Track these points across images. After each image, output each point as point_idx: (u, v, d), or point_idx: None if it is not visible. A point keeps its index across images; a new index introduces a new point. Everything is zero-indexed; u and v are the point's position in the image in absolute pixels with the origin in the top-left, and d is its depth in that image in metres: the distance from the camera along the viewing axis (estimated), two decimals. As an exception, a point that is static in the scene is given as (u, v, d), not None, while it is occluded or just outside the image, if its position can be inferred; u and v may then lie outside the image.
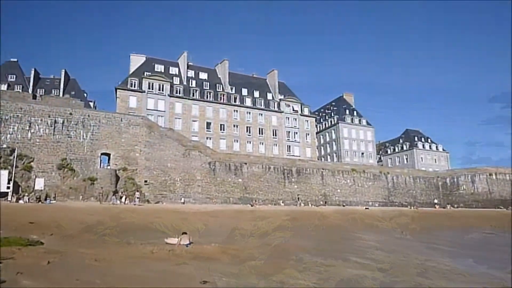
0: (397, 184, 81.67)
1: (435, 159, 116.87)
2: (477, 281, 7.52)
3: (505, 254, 11.90)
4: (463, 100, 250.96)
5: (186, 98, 74.37)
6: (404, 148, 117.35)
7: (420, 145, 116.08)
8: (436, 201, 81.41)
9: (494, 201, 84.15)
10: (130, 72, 73.74)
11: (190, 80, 79.65)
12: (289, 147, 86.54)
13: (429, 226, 26.16)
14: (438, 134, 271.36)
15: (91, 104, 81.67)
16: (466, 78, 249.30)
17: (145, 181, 51.27)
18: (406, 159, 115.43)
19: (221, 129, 77.79)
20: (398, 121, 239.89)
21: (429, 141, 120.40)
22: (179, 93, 73.92)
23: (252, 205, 50.58)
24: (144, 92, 69.36)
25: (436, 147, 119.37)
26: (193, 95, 75.78)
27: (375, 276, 8.49)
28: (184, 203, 49.83)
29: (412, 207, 68.10)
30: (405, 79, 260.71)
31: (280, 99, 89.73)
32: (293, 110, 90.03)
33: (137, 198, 43.17)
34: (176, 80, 76.83)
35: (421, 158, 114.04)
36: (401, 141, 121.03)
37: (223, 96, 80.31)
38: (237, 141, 79.70)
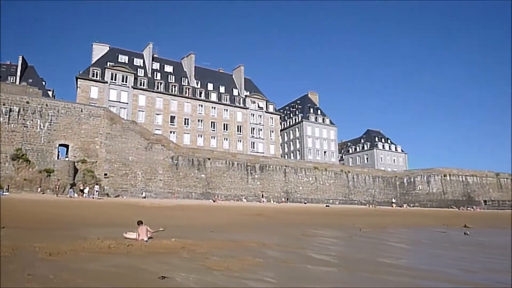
0: (357, 182, 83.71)
1: (394, 159, 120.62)
2: (432, 277, 7.76)
3: (457, 252, 12.38)
4: (425, 104, 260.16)
5: (150, 91, 73.00)
6: (365, 148, 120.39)
7: (380, 145, 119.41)
8: (393, 200, 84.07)
9: (448, 201, 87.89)
10: (92, 62, 71.56)
11: (155, 72, 78.22)
12: (253, 143, 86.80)
13: (387, 224, 26.92)
14: (398, 135, 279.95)
15: (50, 93, 78.65)
16: (430, 81, 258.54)
17: (105, 174, 49.99)
18: (367, 158, 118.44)
19: (185, 124, 76.95)
20: (360, 121, 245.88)
21: (389, 141, 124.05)
22: (143, 85, 72.45)
23: (214, 201, 50.40)
24: (107, 82, 67.50)
25: (395, 147, 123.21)
26: (158, 88, 74.51)
27: (335, 271, 8.61)
28: (145, 197, 49.01)
29: (371, 206, 69.95)
30: (369, 80, 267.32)
31: (246, 96, 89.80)
32: (259, 107, 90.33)
33: (96, 191, 41.99)
34: (141, 72, 75.22)
35: (381, 158, 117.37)
36: (362, 141, 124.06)
37: (189, 90, 79.42)
38: (201, 136, 79.12)
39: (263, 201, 60.39)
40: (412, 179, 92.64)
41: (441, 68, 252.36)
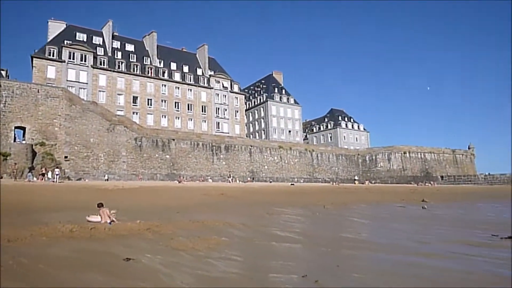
0: (321, 161, 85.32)
1: (357, 138, 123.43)
2: (390, 250, 8.11)
3: (414, 225, 12.96)
4: (386, 83, 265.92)
5: (111, 70, 70.79)
6: (329, 127, 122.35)
7: (343, 124, 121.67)
8: (356, 177, 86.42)
9: (407, 177, 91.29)
10: (48, 40, 68.35)
11: (116, 51, 75.75)
12: (218, 123, 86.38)
13: (349, 201, 27.70)
14: (360, 114, 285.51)
15: (3, 73, 74.76)
16: (393, 61, 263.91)
17: (66, 157, 48.56)
18: (331, 137, 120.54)
19: (148, 104, 75.44)
20: (324, 101, 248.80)
21: (352, 120, 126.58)
22: (103, 65, 70.11)
23: (179, 182, 50.10)
24: (64, 62, 64.85)
25: (358, 126, 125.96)
26: (119, 68, 72.34)
27: (299, 247, 8.85)
28: (108, 179, 48.07)
29: (334, 183, 71.57)
30: (332, 59, 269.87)
31: (210, 75, 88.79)
32: (223, 86, 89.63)
33: (57, 175, 40.73)
34: (100, 51, 72.65)
35: (344, 136, 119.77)
36: (326, 120, 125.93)
37: (151, 69, 77.63)
38: (165, 117, 77.91)
39: (230, 181, 60.59)
40: (373, 157, 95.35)
41: (401, 48, 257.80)
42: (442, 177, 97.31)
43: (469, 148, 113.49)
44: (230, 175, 64.87)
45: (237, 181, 62.22)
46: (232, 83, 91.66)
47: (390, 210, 20.72)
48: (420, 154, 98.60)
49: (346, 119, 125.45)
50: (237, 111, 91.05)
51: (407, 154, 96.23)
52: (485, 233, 11.07)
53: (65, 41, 67.39)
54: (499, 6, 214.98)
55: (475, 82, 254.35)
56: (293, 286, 5.44)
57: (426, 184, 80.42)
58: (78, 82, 66.05)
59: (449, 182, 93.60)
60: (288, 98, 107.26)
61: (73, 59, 66.14)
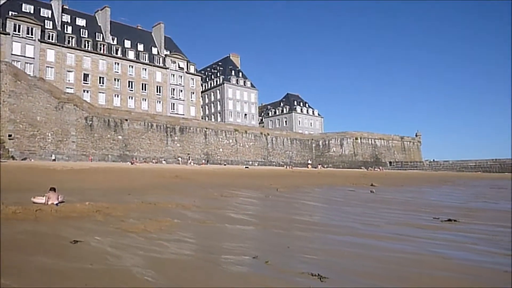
0: (276, 145, 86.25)
1: (311, 123, 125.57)
2: (339, 232, 8.35)
3: (363, 208, 13.41)
4: (341, 69, 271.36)
5: (60, 46, 67.36)
6: (284, 111, 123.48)
7: (298, 109, 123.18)
8: (309, 161, 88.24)
9: (358, 162, 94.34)
10: (-9, 10, 63.81)
11: (65, 25, 72.03)
12: (173, 105, 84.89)
13: (302, 184, 28.25)
14: (315, 99, 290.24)
15: None
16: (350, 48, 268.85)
17: (9, 136, 46.07)
18: (286, 121, 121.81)
19: (100, 82, 72.72)
20: (280, 85, 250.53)
21: (307, 105, 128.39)
22: (52, 39, 66.57)
23: (132, 163, 48.99)
24: (9, 34, 60.93)
25: (313, 111, 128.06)
26: (69, 43, 68.97)
27: (252, 229, 8.93)
28: (55, 160, 46.18)
29: (288, 167, 72.64)
30: (289, 44, 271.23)
31: (166, 55, 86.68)
32: (179, 67, 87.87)
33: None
34: (49, 24, 68.81)
35: (299, 121, 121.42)
36: (281, 104, 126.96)
37: (103, 46, 74.63)
38: (117, 96, 75.53)
39: (189, 163, 59.96)
40: (327, 142, 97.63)
41: (356, 35, 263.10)
42: (390, 162, 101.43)
43: (416, 136, 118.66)
44: (189, 157, 64.23)
45: (192, 163, 61.73)
46: (189, 64, 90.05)
47: (341, 194, 21.36)
48: (371, 140, 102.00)
49: (301, 104, 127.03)
50: (193, 93, 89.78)
51: (359, 140, 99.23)
52: (428, 216, 11.67)
53: (10, 12, 63.20)
54: None
55: (423, 72, 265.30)
56: (244, 267, 5.50)
57: (376, 169, 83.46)
58: (24, 56, 62.42)
59: (397, 167, 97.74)
60: (244, 81, 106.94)
61: (19, 31, 62.30)
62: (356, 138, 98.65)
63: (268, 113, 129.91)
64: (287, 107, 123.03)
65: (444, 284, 4.77)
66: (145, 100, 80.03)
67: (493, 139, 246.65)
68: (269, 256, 5.94)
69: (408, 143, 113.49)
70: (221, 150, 73.64)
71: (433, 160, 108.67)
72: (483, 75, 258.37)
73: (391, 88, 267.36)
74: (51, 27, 68.53)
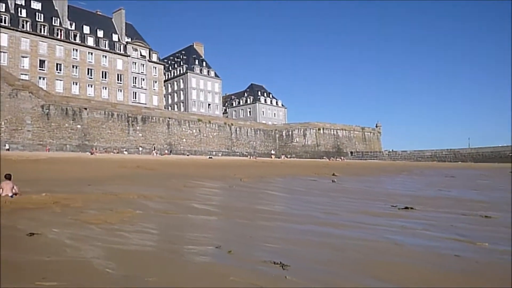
0: (240, 135, 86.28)
1: (275, 113, 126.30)
2: (301, 221, 8.51)
3: (324, 197, 13.68)
4: (304, 59, 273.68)
5: (13, 29, 64.13)
6: (248, 102, 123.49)
7: (262, 99, 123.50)
8: (272, 151, 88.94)
9: (320, 152, 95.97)
10: None
11: (19, 8, 68.49)
12: (135, 93, 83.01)
13: (265, 174, 28.49)
14: (279, 90, 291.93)
15: None
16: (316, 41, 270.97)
17: (-42, 124, 43.69)
18: (250, 112, 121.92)
19: (57, 69, 69.94)
20: (244, 75, 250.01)
21: (270, 96, 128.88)
22: (5, 23, 63.31)
23: (92, 153, 47.68)
24: (-44, 16, 57.40)
25: (277, 102, 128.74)
26: (23, 27, 65.78)
27: (215, 219, 8.97)
28: (9, 149, 44.25)
29: (252, 157, 72.93)
30: (254, 33, 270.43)
31: (127, 42, 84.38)
32: (141, 55, 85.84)
33: None
34: (1, 7, 65.22)
35: (263, 111, 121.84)
36: (246, 94, 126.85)
37: (61, 31, 71.70)
38: (76, 84, 72.98)
39: (154, 154, 58.99)
40: (290, 132, 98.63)
41: (319, 26, 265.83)
42: (351, 152, 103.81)
43: (376, 126, 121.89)
44: (154, 147, 63.19)
45: (156, 154, 60.83)
46: (151, 52, 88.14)
47: (304, 184, 21.72)
48: (333, 131, 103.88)
49: (265, 94, 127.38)
50: (156, 82, 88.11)
51: (321, 131, 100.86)
52: (386, 204, 12.10)
53: (-43, -7, 59.51)
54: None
55: (384, 64, 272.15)
56: (208, 257, 5.53)
57: (337, 159, 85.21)
58: (-26, 40, 59.04)
59: (357, 157, 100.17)
60: (208, 71, 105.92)
61: (-33, 14, 58.79)
62: (319, 129, 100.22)
63: (232, 103, 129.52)
64: (251, 97, 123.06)
65: (397, 269, 4.99)
66: (106, 88, 77.78)
67: (448, 130, 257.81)
68: (232, 246, 6.00)
69: (369, 133, 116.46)
70: (184, 140, 72.91)
71: (392, 150, 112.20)
72: (439, 69, 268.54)
73: (353, 79, 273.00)
74: (3, 10, 64.98)
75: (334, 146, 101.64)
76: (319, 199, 13.38)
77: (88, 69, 75.13)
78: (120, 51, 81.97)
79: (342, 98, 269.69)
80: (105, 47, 79.00)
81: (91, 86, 75.39)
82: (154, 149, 62.76)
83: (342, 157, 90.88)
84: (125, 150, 60.13)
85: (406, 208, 11.04)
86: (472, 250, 6.09)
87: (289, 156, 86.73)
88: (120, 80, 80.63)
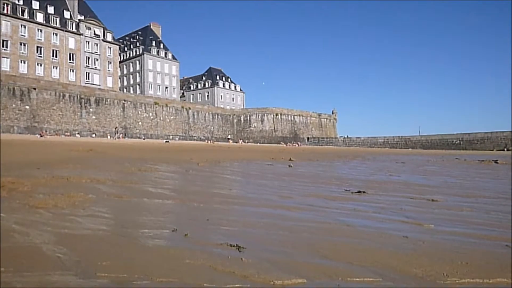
0: (197, 119, 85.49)
1: (233, 98, 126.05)
2: (257, 204, 8.61)
3: (280, 181, 13.90)
4: (262, 45, 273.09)
5: (-48, 2, 59.70)
6: (206, 86, 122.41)
7: (221, 83, 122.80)
8: (229, 136, 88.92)
9: (278, 137, 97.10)
10: None
11: (-41, -21, 63.80)
12: (88, 74, 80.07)
13: (222, 158, 28.53)
14: (237, 75, 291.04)
15: None
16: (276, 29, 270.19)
17: None
18: (208, 96, 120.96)
19: (3, 46, 66.17)
20: (203, 58, 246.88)
21: (229, 80, 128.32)
22: None
23: (41, 135, 45.73)
24: None
25: (235, 86, 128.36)
26: (-36, 0, 61.35)
27: (170, 203, 8.92)
28: (-50, 131, 41.58)
29: (209, 141, 72.66)
30: (212, 16, 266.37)
31: (80, 20, 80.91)
32: (95, 34, 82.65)
33: None
34: None
35: (221, 96, 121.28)
36: (204, 78, 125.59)
37: (7, 6, 67.59)
38: (24, 62, 69.40)
39: (117, 138, 57.26)
40: (248, 117, 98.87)
41: (277, 11, 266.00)
42: (308, 138, 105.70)
43: (332, 113, 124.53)
44: (116, 131, 61.34)
45: (108, 136, 59.21)
46: (105, 31, 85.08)
47: (260, 168, 21.93)
48: (290, 117, 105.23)
49: (223, 78, 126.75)
50: (110, 62, 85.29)
51: (279, 116, 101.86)
52: (339, 188, 12.46)
53: None
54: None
55: (340, 53, 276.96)
56: (163, 240, 5.51)
57: (294, 144, 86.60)
58: None
59: (313, 143, 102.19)
60: (166, 53, 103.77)
61: None
62: (276, 114, 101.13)
63: (190, 87, 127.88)
64: (209, 81, 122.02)
65: (347, 249, 5.20)
66: (56, 68, 74.45)
67: (399, 118, 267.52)
68: (188, 229, 6.00)
69: (325, 120, 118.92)
70: (140, 123, 71.36)
71: (347, 136, 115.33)
72: (392, 59, 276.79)
73: (310, 66, 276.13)
74: None
75: (291, 132, 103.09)
76: (275, 183, 13.58)
77: (37, 47, 71.48)
78: (72, 29, 78.50)
79: (300, 84, 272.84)
80: (55, 24, 75.35)
81: (41, 65, 71.86)
82: (117, 132, 60.98)
83: (298, 143, 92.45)
84: (77, 133, 58.07)
85: (359, 192, 11.44)
86: (419, 231, 6.42)
87: (246, 141, 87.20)
88: (72, 60, 77.36)
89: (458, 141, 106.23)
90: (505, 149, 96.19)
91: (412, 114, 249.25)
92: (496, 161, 34.75)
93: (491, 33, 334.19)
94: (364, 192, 11.42)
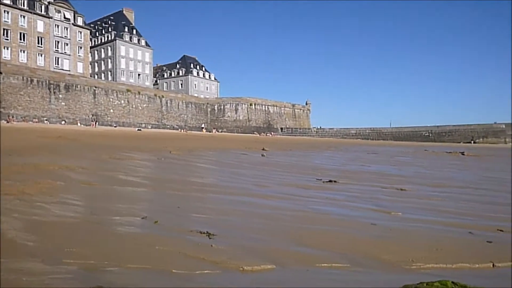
0: (171, 108, 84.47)
1: (207, 87, 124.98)
2: (231, 192, 8.61)
3: (254, 170, 13.94)
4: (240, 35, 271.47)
5: None
6: (180, 74, 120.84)
7: (195, 72, 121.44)
8: (203, 125, 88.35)
9: (252, 127, 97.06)
10: None
11: None
12: (57, 59, 77.63)
13: (196, 147, 28.38)
14: (211, 64, 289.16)
15: None
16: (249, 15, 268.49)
17: None
18: (181, 84, 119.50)
19: (-34, 28, 63.20)
20: (177, 46, 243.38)
21: (203, 69, 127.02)
22: None
23: (8, 122, 44.26)
24: None
25: (209, 75, 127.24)
26: None
27: (143, 190, 8.83)
28: None
29: (183, 130, 72.03)
30: (187, 3, 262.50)
31: (49, 2, 78.13)
32: (65, 17, 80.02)
33: None
34: None
35: (195, 84, 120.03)
36: (178, 66, 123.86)
37: (-30, -15, 64.52)
38: (-11, 45, 66.55)
39: (93, 125, 55.92)
40: (222, 107, 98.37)
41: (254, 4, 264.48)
42: (282, 128, 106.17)
43: (306, 104, 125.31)
44: (93, 118, 59.85)
45: (78, 123, 57.86)
46: (76, 15, 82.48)
47: (234, 157, 21.92)
48: (264, 107, 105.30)
49: (198, 67, 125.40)
50: (81, 47, 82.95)
51: (253, 106, 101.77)
52: (312, 178, 12.60)
53: None
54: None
55: (314, 43, 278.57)
56: (133, 227, 5.45)
57: (268, 134, 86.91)
58: None
59: (287, 133, 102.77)
60: (139, 40, 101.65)
61: None
62: (251, 104, 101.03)
63: (164, 75, 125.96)
64: (184, 69, 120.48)
65: (320, 236, 5.28)
66: (24, 51, 71.84)
67: (371, 110, 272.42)
68: (159, 216, 5.95)
69: (299, 110, 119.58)
70: (112, 111, 69.98)
71: (320, 127, 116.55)
72: (365, 52, 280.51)
73: (285, 57, 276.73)
74: None
75: (265, 122, 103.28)
76: (249, 172, 13.61)
77: (4, 29, 68.69)
78: (41, 11, 75.73)
79: (274, 75, 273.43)
80: (23, 6, 72.50)
81: (7, 49, 69.19)
82: (93, 119, 59.51)
83: (272, 133, 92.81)
84: (46, 120, 56.45)
85: (331, 181, 11.59)
86: (387, 219, 6.57)
87: (220, 131, 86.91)
88: (41, 44, 74.83)
89: (428, 133, 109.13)
90: (472, 142, 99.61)
91: (384, 107, 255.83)
92: (462, 153, 35.89)
93: (460, 26, 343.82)
94: (336, 181, 11.59)
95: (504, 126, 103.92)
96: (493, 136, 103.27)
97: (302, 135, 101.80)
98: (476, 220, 6.62)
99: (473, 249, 4.81)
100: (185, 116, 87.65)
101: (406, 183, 12.12)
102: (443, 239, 5.24)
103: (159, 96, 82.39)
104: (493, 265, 4.29)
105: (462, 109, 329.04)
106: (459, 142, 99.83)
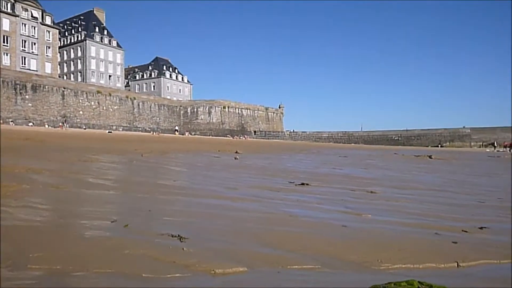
0: (143, 110, 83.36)
1: (180, 89, 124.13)
2: (201, 195, 8.57)
3: (226, 173, 13.92)
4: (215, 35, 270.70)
5: None
6: (153, 76, 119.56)
7: (168, 74, 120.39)
8: (176, 128, 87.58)
9: (225, 130, 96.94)
10: None
11: None
12: (24, 58, 75.38)
13: (168, 150, 28.12)
14: (185, 66, 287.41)
15: None
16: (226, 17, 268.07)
17: None
18: (154, 86, 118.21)
19: None
20: (149, 48, 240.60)
21: (176, 71, 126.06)
22: None
23: (-29, 123, 42.53)
24: None
25: (182, 78, 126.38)
26: None
27: (111, 193, 8.66)
28: None
29: (155, 133, 71.15)
30: (159, 5, 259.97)
31: (16, 0, 75.77)
32: (32, 16, 77.85)
33: None
34: None
35: (168, 87, 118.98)
36: (150, 68, 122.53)
37: None
38: (-49, 43, 63.99)
39: (65, 128, 54.32)
40: (195, 109, 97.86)
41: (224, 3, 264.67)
42: (255, 131, 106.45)
43: (279, 107, 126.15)
44: (64, 120, 58.20)
45: (45, 125, 56.28)
46: (44, 14, 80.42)
47: (206, 160, 21.83)
48: (238, 110, 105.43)
49: (171, 69, 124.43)
50: (49, 47, 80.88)
51: (226, 109, 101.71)
52: (284, 180, 12.68)
53: None
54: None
55: (287, 46, 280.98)
56: (102, 231, 5.33)
57: (241, 137, 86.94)
58: None
59: (261, 136, 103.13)
60: (110, 40, 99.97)
61: None
62: (224, 107, 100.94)
63: (136, 76, 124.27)
64: (156, 71, 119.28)
65: (290, 237, 5.31)
66: (-12, 50, 69.41)
67: (342, 114, 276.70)
68: (129, 220, 5.84)
69: (272, 113, 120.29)
70: (81, 112, 68.44)
71: (293, 130, 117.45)
72: (338, 56, 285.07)
73: (258, 60, 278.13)
74: None
75: (238, 125, 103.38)
76: (221, 175, 13.58)
77: (-34, 27, 66.20)
78: (6, 9, 73.34)
79: (247, 78, 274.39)
80: (-12, 3, 70.10)
81: (-30, 47, 66.69)
82: (65, 121, 57.92)
83: (245, 136, 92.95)
84: (11, 121, 54.65)
85: (302, 184, 11.69)
86: (358, 221, 6.68)
87: (193, 133, 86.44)
88: (7, 43, 72.49)
89: (397, 137, 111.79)
90: (439, 146, 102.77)
91: (355, 111, 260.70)
92: (430, 156, 36.93)
93: (428, 31, 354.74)
94: (307, 184, 11.69)
95: (469, 131, 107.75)
96: (459, 140, 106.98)
97: (275, 138, 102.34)
98: (441, 221, 6.81)
99: (439, 250, 4.94)
100: (158, 118, 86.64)
101: (376, 185, 12.35)
102: (411, 240, 5.37)
103: (130, 98, 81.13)
104: (458, 265, 4.43)
105: (431, 114, 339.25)
106: (427, 146, 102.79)
